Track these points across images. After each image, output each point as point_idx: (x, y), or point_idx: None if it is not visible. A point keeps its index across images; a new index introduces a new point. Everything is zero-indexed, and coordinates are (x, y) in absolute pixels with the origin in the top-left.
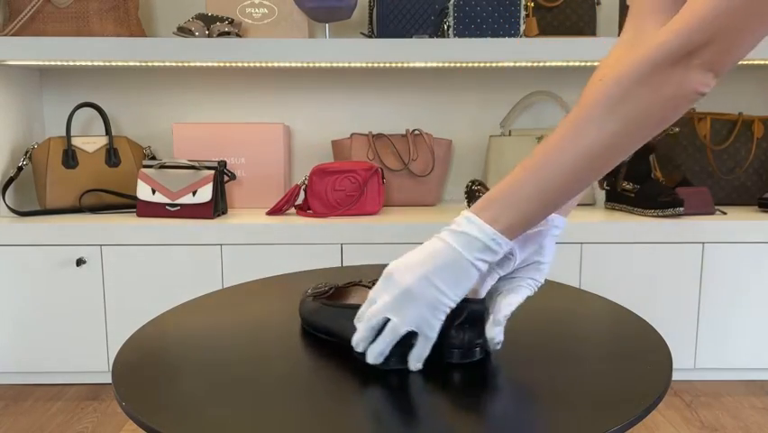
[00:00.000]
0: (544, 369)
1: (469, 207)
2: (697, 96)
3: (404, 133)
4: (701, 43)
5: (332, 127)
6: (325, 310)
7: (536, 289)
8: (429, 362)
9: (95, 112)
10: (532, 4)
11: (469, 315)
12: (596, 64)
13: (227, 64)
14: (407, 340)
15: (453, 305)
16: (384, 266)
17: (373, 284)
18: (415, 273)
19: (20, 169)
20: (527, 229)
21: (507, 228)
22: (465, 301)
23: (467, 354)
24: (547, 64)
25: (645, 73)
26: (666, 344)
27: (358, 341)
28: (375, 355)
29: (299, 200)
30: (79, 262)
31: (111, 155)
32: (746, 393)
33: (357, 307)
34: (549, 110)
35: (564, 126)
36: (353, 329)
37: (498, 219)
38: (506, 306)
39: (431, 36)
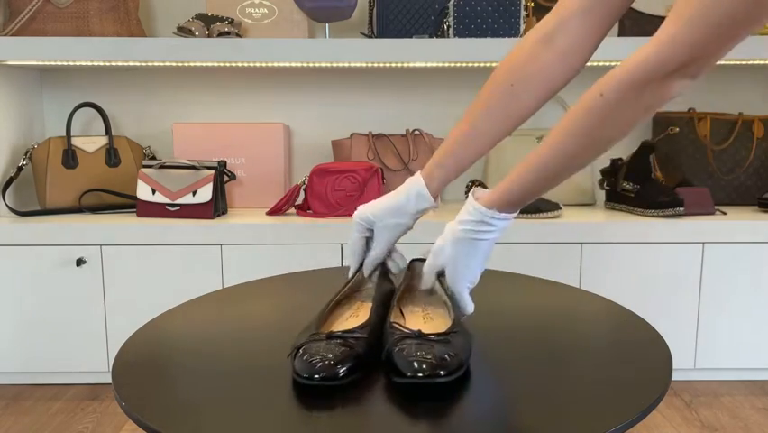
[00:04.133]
0: (544, 369)
1: None
2: (670, 100)
3: (404, 133)
4: (686, 60)
5: (332, 127)
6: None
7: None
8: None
9: (95, 112)
10: (532, 4)
11: None
12: (595, 65)
13: (227, 64)
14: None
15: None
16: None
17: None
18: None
19: (20, 169)
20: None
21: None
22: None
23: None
24: None
25: (626, 89)
26: (666, 344)
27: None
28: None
29: (299, 200)
30: (79, 262)
31: (111, 155)
32: (746, 393)
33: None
34: (549, 110)
35: (553, 136)
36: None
37: (494, 203)
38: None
39: (431, 36)
